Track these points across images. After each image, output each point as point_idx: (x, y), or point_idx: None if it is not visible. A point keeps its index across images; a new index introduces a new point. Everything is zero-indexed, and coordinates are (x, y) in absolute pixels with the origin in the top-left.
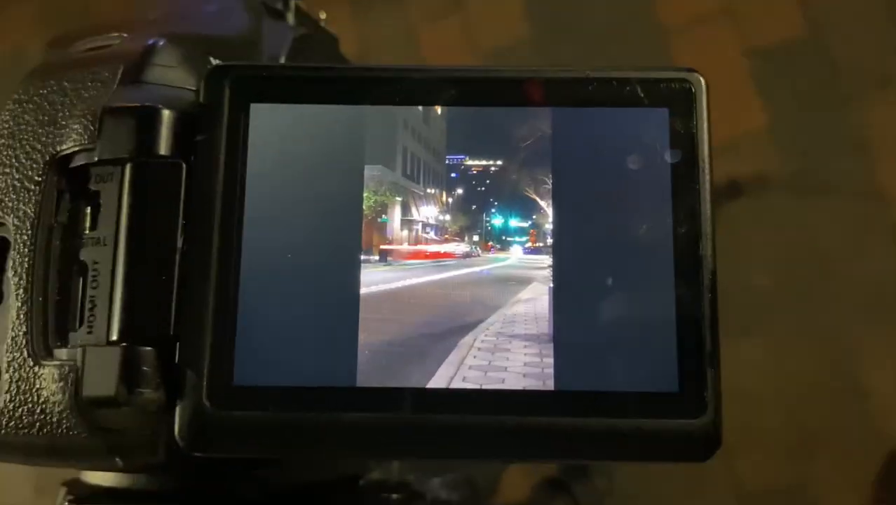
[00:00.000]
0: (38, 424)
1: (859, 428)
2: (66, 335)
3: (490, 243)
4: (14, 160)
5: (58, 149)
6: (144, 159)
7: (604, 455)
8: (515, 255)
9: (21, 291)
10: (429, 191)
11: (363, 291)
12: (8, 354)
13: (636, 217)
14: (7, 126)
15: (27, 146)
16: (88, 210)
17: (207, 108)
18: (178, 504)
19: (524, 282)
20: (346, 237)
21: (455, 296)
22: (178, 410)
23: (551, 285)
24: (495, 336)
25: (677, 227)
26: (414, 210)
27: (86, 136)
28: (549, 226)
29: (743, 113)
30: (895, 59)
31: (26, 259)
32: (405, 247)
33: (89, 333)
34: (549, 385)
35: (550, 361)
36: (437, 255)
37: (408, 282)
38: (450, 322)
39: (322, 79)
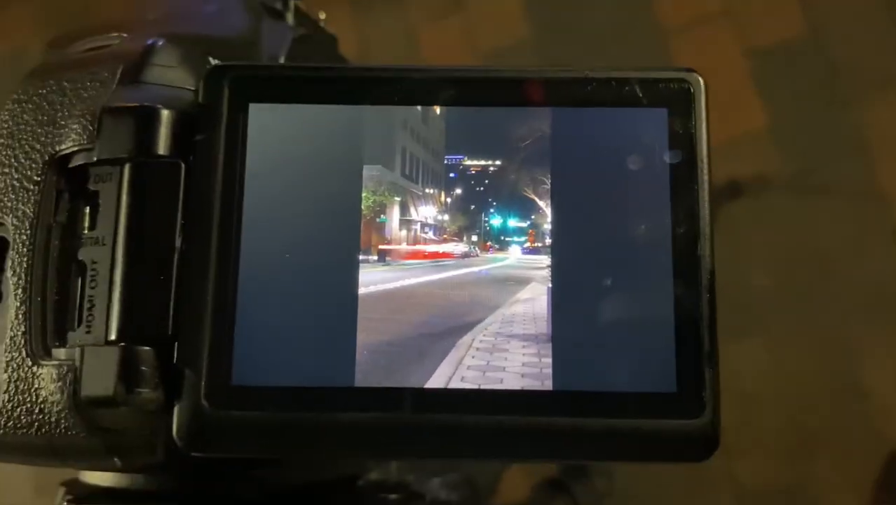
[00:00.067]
0: (36, 423)
1: (859, 428)
2: (65, 335)
3: (489, 243)
4: (13, 160)
5: (57, 149)
6: (143, 159)
7: (602, 455)
8: (514, 255)
9: (20, 290)
10: (427, 191)
11: (362, 291)
12: (6, 354)
13: (635, 217)
14: (6, 126)
15: (26, 146)
16: (87, 210)
17: (206, 108)
18: (177, 504)
19: (523, 282)
20: (345, 237)
21: (453, 296)
22: (176, 409)
23: (550, 285)
24: (494, 336)
25: (676, 228)
26: (412, 210)
27: (85, 136)
28: (547, 226)
29: (743, 113)
30: (895, 59)
31: (25, 259)
32: (404, 247)
33: (88, 332)
34: (548, 385)
35: (549, 361)
36: (435, 255)
37: (406, 282)
38: (448, 322)
39: (321, 79)
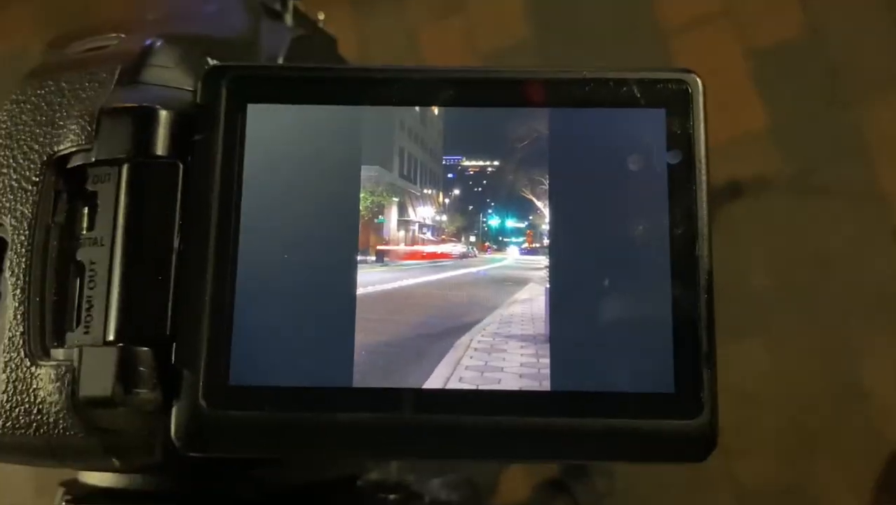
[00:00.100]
0: (34, 424)
1: (859, 429)
2: (63, 335)
3: (487, 244)
4: (12, 160)
5: (55, 149)
6: (142, 160)
7: (600, 455)
8: (512, 255)
9: (18, 291)
10: (425, 191)
11: (360, 291)
12: (5, 354)
13: (633, 218)
14: (5, 126)
15: (25, 147)
16: (86, 210)
17: (204, 109)
18: (175, 504)
19: (521, 282)
20: (343, 238)
21: (452, 296)
22: (174, 410)
23: (548, 286)
24: (492, 336)
25: (674, 228)
26: (411, 211)
27: (83, 137)
28: (545, 226)
29: (743, 114)
30: (895, 59)
31: (24, 259)
32: (402, 247)
33: (86, 333)
34: (546, 385)
35: (547, 361)
36: (433, 255)
37: (404, 282)
38: (446, 322)
39: (319, 79)
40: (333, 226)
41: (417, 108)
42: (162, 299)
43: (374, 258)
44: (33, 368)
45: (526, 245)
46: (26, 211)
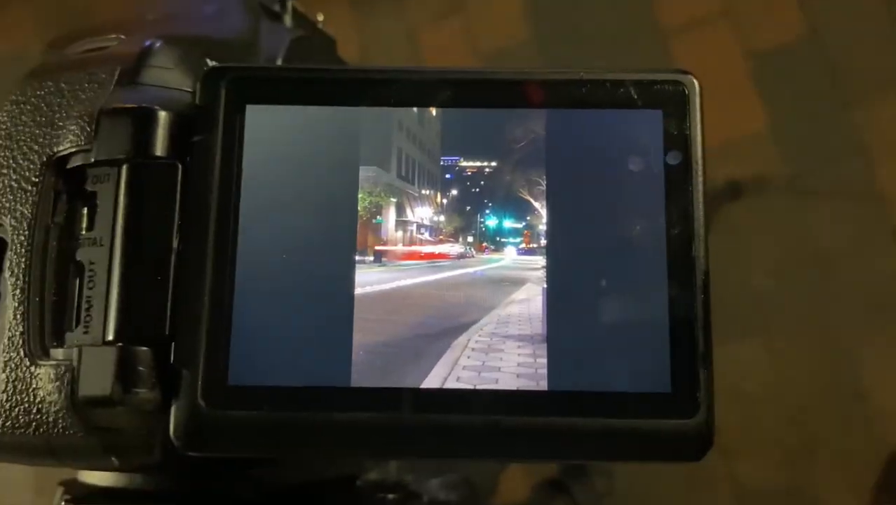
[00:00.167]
0: (34, 423)
1: (859, 429)
2: (63, 335)
3: (484, 244)
4: (11, 161)
5: (55, 150)
6: (141, 160)
7: (597, 455)
8: (509, 256)
9: (18, 291)
10: (423, 192)
11: (358, 291)
12: (4, 354)
13: (630, 218)
14: (4, 127)
15: (24, 147)
16: (85, 211)
17: (203, 110)
18: (174, 504)
19: (518, 283)
20: (341, 238)
21: (449, 296)
22: (173, 409)
23: (545, 286)
24: (489, 337)
25: (670, 229)
26: (409, 211)
27: (83, 138)
28: (542, 227)
29: (743, 115)
30: (895, 60)
31: (23, 259)
32: (400, 248)
33: (85, 332)
34: (543, 385)
35: (544, 361)
36: (431, 256)
37: (402, 282)
38: (444, 323)
39: (317, 80)
40: (332, 226)
41: (415, 109)
42: (161, 299)
43: (372, 258)
44: (33, 368)
45: (523, 245)
46: (26, 211)
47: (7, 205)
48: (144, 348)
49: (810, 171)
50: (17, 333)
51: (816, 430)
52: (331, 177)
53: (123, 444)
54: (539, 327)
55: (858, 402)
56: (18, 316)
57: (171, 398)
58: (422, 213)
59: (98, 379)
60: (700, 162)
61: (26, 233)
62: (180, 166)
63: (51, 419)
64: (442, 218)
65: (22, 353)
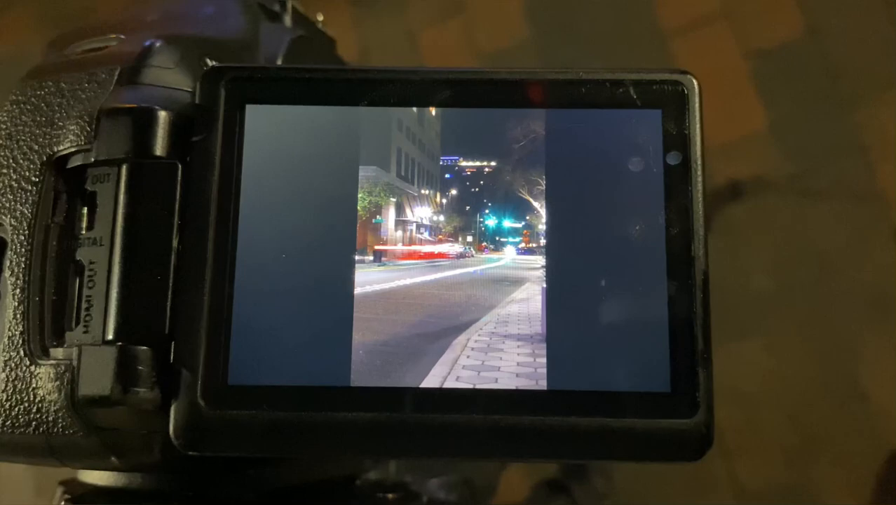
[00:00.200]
0: (34, 423)
1: (859, 429)
2: (63, 335)
3: (484, 244)
4: (11, 161)
5: (55, 150)
6: (141, 160)
7: (596, 455)
8: (509, 255)
9: (18, 290)
10: (423, 192)
11: (357, 291)
12: (4, 354)
13: (629, 218)
14: (4, 127)
15: (24, 147)
16: (85, 210)
17: (203, 110)
18: (174, 503)
19: (517, 282)
20: (341, 238)
21: (449, 296)
22: (173, 409)
23: (544, 286)
24: (489, 336)
25: (670, 228)
26: (408, 211)
27: (83, 137)
28: (542, 226)
29: (743, 115)
30: (895, 60)
31: (23, 259)
32: (399, 247)
33: (85, 332)
34: (542, 385)
35: (543, 360)
36: (431, 255)
37: (402, 282)
38: (444, 322)
39: (317, 80)
40: (331, 226)
41: (415, 109)
42: (161, 299)
43: (371, 258)
44: (33, 368)
45: (523, 245)
46: (26, 211)
47: (7, 204)
48: (144, 348)
49: (810, 171)
50: (17, 333)
51: (816, 430)
52: (330, 176)
53: (123, 443)
54: (538, 327)
55: (858, 402)
56: (18, 315)
57: (171, 398)
58: (421, 212)
59: (98, 378)
60: (699, 162)
61: (26, 232)
62: (180, 166)
63: (51, 419)
64: (441, 218)
65: (22, 352)
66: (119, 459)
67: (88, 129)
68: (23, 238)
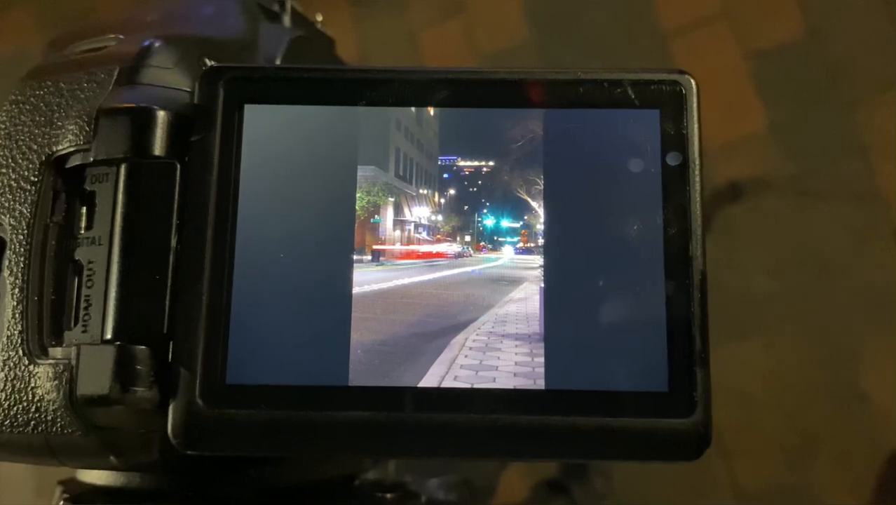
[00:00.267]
0: (32, 422)
1: (859, 430)
2: (61, 334)
3: (482, 244)
4: (10, 161)
5: (54, 149)
6: (139, 160)
7: (594, 454)
8: (507, 255)
9: (17, 290)
10: (421, 191)
11: (356, 290)
12: (3, 353)
13: (627, 218)
14: (4, 127)
15: (24, 147)
16: (84, 210)
17: (202, 109)
18: (173, 502)
19: (515, 282)
20: (339, 237)
21: (447, 296)
22: (171, 408)
23: (542, 285)
24: (487, 335)
25: (668, 228)
26: (406, 210)
27: (81, 137)
28: (540, 226)
29: (743, 115)
30: (894, 60)
31: (22, 258)
32: (397, 247)
33: (84, 331)
34: (540, 384)
35: (541, 360)
36: (429, 255)
37: (400, 282)
38: (442, 321)
39: (315, 80)
40: (330, 225)
41: (413, 109)
42: (159, 298)
43: (370, 258)
44: (31, 367)
45: (521, 245)
46: (25, 211)
47: (6, 204)
48: (143, 347)
49: (810, 172)
50: (16, 332)
51: (816, 430)
52: (329, 176)
53: (122, 442)
54: (536, 326)
55: (858, 402)
56: (17, 315)
57: (170, 397)
58: (419, 212)
59: (96, 378)
60: (697, 161)
61: (25, 232)
62: (179, 166)
63: (49, 418)
64: (440, 217)
65: (21, 351)
66: (118, 459)
67: (87, 128)
68: (22, 238)
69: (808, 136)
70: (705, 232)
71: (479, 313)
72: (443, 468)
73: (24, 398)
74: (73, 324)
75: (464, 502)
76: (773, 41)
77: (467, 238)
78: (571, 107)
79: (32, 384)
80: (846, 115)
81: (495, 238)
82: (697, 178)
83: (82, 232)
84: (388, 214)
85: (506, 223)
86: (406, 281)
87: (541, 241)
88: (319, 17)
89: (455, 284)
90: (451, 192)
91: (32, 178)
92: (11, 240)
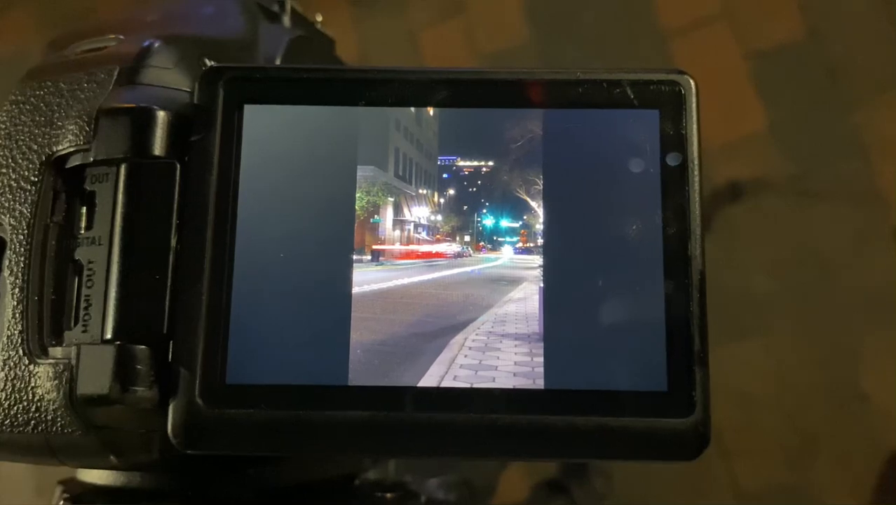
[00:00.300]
0: (32, 422)
1: (859, 430)
2: (62, 334)
3: (481, 243)
4: (11, 161)
5: (54, 149)
6: (139, 160)
7: (593, 454)
8: (506, 255)
9: (17, 289)
10: (421, 191)
11: (355, 290)
12: (3, 353)
13: (626, 218)
14: (4, 127)
15: (24, 147)
16: (84, 210)
17: (202, 109)
18: (173, 502)
19: (515, 282)
20: (339, 237)
21: (446, 295)
22: (171, 408)
23: (542, 285)
24: (486, 335)
25: (667, 228)
26: (406, 210)
27: (82, 137)
28: (539, 226)
29: (743, 116)
30: (894, 61)
31: (22, 258)
32: (397, 247)
33: (84, 331)
34: (540, 384)
35: (541, 360)
36: (428, 255)
37: (399, 281)
38: (441, 321)
39: (315, 80)
40: (329, 225)
41: (413, 109)
42: (159, 298)
43: (369, 258)
44: (32, 367)
45: (520, 245)
46: (25, 211)
47: (6, 204)
48: (143, 347)
49: (810, 172)
50: (16, 332)
51: (816, 430)
52: (328, 176)
53: (122, 442)
54: (536, 326)
55: (858, 402)
56: (17, 315)
57: (170, 397)
58: (419, 212)
59: (96, 377)
60: (697, 161)
61: (25, 232)
62: (178, 166)
63: (49, 418)
64: (439, 217)
65: (21, 351)
66: (118, 458)
67: (87, 128)
68: (22, 238)
69: (808, 136)
70: (705, 232)
71: (479, 313)
72: (443, 468)
73: (25, 398)
74: (73, 324)
75: (464, 502)
76: (773, 41)
77: (467, 238)
78: (571, 107)
79: (32, 384)
80: (846, 115)
81: (495, 238)
82: (697, 179)
83: (82, 232)
84: (388, 214)
85: (505, 223)
86: (405, 281)
87: (540, 241)
88: (319, 18)
89: (454, 283)
90: (451, 192)
91: (32, 178)
92: (11, 240)
